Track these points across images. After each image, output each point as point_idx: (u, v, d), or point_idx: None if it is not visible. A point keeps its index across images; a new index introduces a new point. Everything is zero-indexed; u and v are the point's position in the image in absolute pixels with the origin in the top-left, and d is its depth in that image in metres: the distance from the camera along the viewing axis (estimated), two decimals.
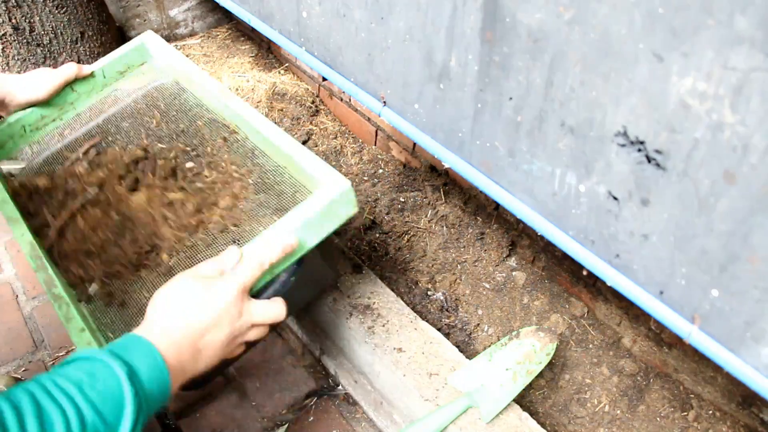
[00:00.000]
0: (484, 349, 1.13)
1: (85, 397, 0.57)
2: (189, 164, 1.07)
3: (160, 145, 1.11)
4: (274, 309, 0.78)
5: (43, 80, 1.08)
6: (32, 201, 1.04)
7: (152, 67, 1.25)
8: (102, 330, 0.87)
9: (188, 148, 1.09)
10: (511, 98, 0.81)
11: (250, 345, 0.80)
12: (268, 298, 0.81)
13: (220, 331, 0.72)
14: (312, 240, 0.87)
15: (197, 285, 0.73)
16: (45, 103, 1.13)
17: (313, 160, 0.93)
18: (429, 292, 1.31)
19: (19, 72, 1.55)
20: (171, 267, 0.94)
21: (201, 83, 1.13)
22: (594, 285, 1.26)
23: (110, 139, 1.13)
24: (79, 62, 1.64)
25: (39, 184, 1.06)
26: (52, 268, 0.90)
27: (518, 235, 1.37)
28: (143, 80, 1.23)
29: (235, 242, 0.92)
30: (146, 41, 1.24)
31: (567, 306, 1.28)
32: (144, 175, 1.06)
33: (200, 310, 0.71)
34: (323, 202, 0.86)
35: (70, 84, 1.16)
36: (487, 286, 1.32)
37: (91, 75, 1.19)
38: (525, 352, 1.04)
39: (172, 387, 0.66)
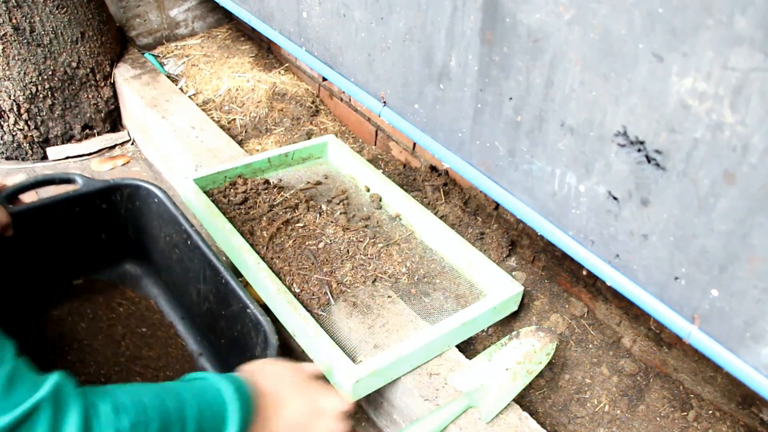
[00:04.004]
0: (484, 349, 1.13)
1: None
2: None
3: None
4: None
5: None
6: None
7: (329, 162, 1.48)
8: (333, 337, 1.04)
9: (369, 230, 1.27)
10: (511, 98, 0.81)
11: None
12: None
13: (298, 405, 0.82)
14: (473, 331, 1.08)
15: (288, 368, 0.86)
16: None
17: (488, 263, 1.14)
18: None
19: (19, 73, 1.55)
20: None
21: (382, 185, 1.35)
22: (594, 285, 1.26)
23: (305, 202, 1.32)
24: (79, 62, 1.64)
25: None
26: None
27: (518, 235, 1.37)
28: (321, 170, 1.45)
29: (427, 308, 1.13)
30: (329, 142, 1.47)
31: (567, 306, 1.28)
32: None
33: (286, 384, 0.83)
34: (498, 300, 1.06)
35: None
36: None
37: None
38: (525, 352, 1.04)
39: None
